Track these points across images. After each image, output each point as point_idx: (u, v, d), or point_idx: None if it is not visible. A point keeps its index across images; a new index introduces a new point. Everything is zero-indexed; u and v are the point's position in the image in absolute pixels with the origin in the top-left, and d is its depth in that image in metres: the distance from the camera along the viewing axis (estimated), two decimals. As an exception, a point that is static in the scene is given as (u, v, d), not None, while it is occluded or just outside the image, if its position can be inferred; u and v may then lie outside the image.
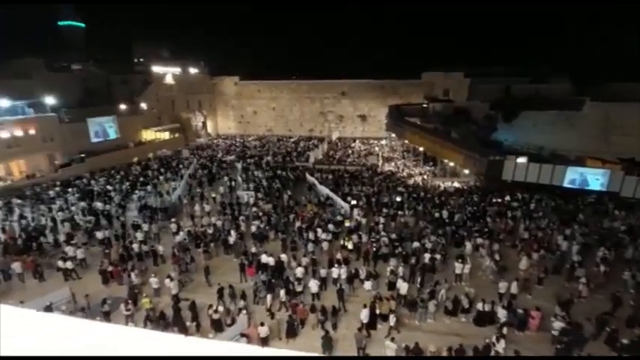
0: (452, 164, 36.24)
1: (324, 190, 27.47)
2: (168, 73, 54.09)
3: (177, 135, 50.77)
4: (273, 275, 15.10)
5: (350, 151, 49.50)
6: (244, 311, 12.31)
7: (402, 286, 13.59)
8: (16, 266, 15.55)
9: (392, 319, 11.92)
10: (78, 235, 19.49)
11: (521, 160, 29.03)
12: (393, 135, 49.79)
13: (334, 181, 30.78)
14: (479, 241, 17.93)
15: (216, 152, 47.12)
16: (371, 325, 12.20)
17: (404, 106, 51.38)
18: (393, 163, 43.35)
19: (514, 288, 13.44)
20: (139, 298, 13.60)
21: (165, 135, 49.34)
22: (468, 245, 17.48)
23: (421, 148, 40.33)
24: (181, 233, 19.13)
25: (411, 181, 34.59)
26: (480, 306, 12.33)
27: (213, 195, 26.25)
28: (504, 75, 52.74)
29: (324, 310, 12.31)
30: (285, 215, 22.27)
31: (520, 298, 13.59)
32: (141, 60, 62.11)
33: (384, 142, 55.62)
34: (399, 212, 22.80)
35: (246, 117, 66.93)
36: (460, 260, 15.22)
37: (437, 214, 22.35)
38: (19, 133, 31.52)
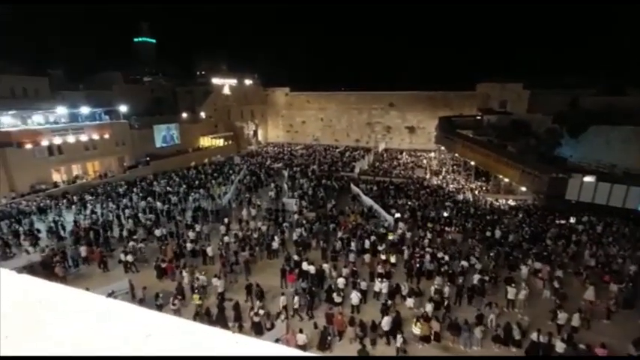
0: (507, 180, 33.93)
1: (368, 201, 27.20)
2: (226, 84, 57.71)
3: (230, 142, 53.71)
4: (313, 283, 15.20)
5: (396, 163, 48.55)
6: (283, 317, 12.51)
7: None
8: (83, 250, 17.76)
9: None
10: (139, 231, 21.30)
11: (589, 178, 26.31)
12: (443, 148, 47.98)
13: (379, 193, 30.35)
14: (536, 265, 16.47)
15: (264, 159, 48.94)
16: (392, 332, 11.79)
17: (455, 118, 49.45)
18: (441, 177, 41.70)
19: (576, 320, 12.09)
20: (189, 294, 14.46)
21: (220, 142, 52.46)
22: (524, 269, 16.13)
23: (473, 162, 38.36)
24: (229, 235, 20.08)
25: (460, 196, 32.95)
26: (534, 337, 11.26)
27: (258, 203, 27.17)
28: (570, 86, 48.57)
29: (362, 324, 12.09)
30: (327, 224, 22.39)
31: (582, 333, 12.20)
32: (203, 73, 67.08)
33: (432, 154, 53.81)
34: (447, 228, 21.81)
35: (295, 126, 68.84)
36: (513, 285, 14.10)
37: (488, 233, 21.01)
38: (95, 137, 35.52)
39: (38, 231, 20.89)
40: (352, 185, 32.46)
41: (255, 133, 65.88)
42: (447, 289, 14.37)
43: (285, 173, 37.03)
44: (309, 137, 66.49)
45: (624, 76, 48.98)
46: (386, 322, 11.76)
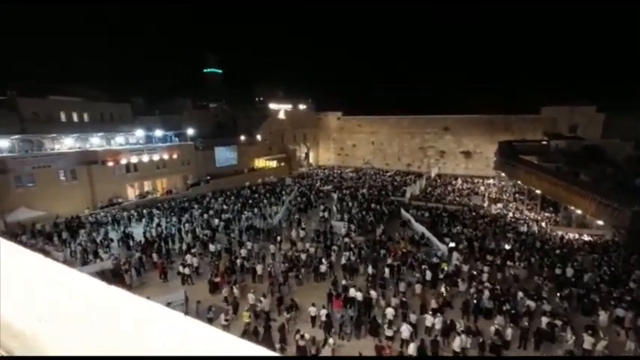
0: (579, 212, 30.42)
1: (420, 228, 26.11)
2: (281, 109, 60.74)
3: (282, 164, 55.74)
4: (360, 311, 14.76)
5: (450, 189, 46.29)
6: (330, 343, 12.24)
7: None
8: (155, 256, 20.05)
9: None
10: (196, 245, 22.65)
11: (686, 215, 22.60)
12: (503, 174, 44.81)
13: (431, 220, 29.03)
14: (619, 311, 14.29)
15: (315, 181, 49.77)
16: None
17: (517, 143, 46.22)
18: (501, 205, 38.76)
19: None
20: (239, 311, 14.87)
21: (273, 163, 54.74)
22: (603, 315, 14.08)
23: (538, 191, 35.17)
24: (278, 255, 20.49)
25: (523, 228, 30.17)
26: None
27: (304, 225, 27.40)
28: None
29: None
30: (377, 250, 21.82)
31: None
32: (261, 99, 71.59)
33: (491, 181, 50.52)
34: (508, 262, 19.99)
35: (346, 149, 69.49)
36: (590, 332, 12.33)
37: (558, 271, 18.83)
38: (165, 156, 39.19)
39: (111, 240, 23.24)
40: (403, 211, 31.50)
41: (307, 155, 67.67)
42: (509, 331, 13.01)
43: (335, 196, 37.19)
44: (359, 160, 66.54)
45: None
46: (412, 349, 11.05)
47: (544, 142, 46.40)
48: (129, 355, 0.85)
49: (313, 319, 14.41)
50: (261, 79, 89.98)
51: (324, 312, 14.07)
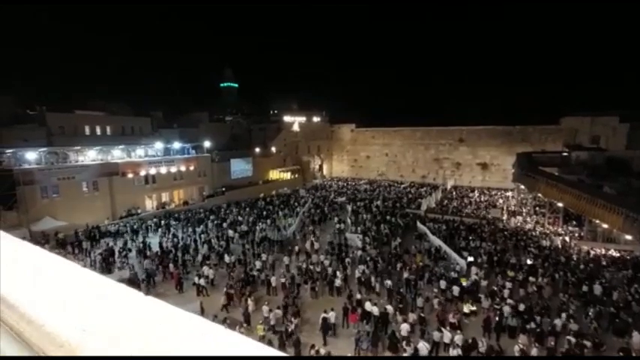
0: (605, 226, 29.16)
1: (437, 242, 25.55)
2: (295, 121, 61.41)
3: (296, 175, 55.99)
4: (376, 327, 14.39)
5: (467, 201, 45.32)
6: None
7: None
8: (171, 266, 20.22)
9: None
10: (212, 256, 22.75)
11: None
12: (522, 186, 43.61)
13: (448, 233, 28.38)
14: (654, 333, 13.45)
15: (329, 193, 49.66)
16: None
17: (537, 155, 45.10)
18: (520, 218, 37.61)
19: None
20: (253, 323, 14.74)
21: (287, 175, 55.06)
22: (636, 336, 13.27)
23: (560, 204, 33.99)
24: (292, 267, 20.34)
25: (545, 242, 29.12)
26: None
27: (318, 235, 27.26)
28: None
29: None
30: (392, 263, 21.40)
31: None
32: (275, 112, 72.68)
33: (509, 193, 49.25)
34: (531, 278, 19.24)
35: (359, 161, 69.36)
36: (623, 354, 11.62)
37: (585, 288, 17.98)
38: (183, 168, 39.95)
39: (130, 250, 23.63)
40: (419, 223, 30.95)
41: (321, 167, 67.84)
42: (534, 351, 12.40)
43: (349, 208, 36.95)
44: (373, 172, 66.21)
45: None
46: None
47: (565, 154, 45.12)
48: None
49: (325, 320, 14.37)
50: (276, 92, 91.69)
51: (332, 314, 14.50)
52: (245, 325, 14.39)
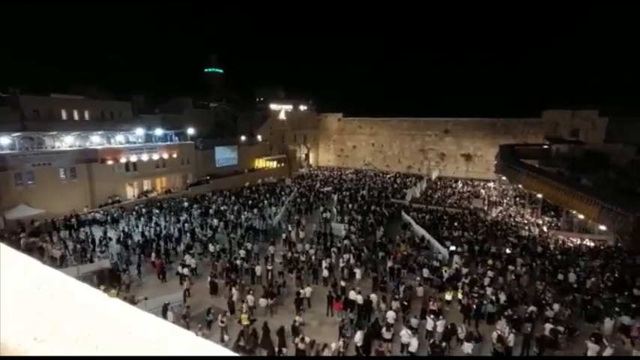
0: (581, 217, 30.26)
1: (420, 231, 25.93)
2: (282, 110, 60.61)
3: (282, 164, 55.57)
4: (360, 315, 14.55)
5: (451, 192, 46.13)
6: (332, 347, 12.02)
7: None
8: (153, 256, 19.73)
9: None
10: (195, 245, 22.43)
11: (690, 221, 22.43)
12: (504, 178, 44.66)
13: (432, 223, 28.84)
14: (624, 319, 14.08)
15: (314, 182, 49.59)
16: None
17: (519, 147, 46.12)
18: (501, 209, 38.59)
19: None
20: (237, 313, 14.67)
21: (273, 164, 54.59)
22: (608, 322, 13.88)
23: (539, 195, 35.00)
24: (277, 256, 20.29)
25: (524, 232, 30.02)
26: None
27: (304, 226, 27.24)
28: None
29: (413, 364, 11.16)
30: (377, 252, 21.62)
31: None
32: (261, 99, 71.41)
33: (492, 184, 50.38)
34: (509, 267, 19.79)
35: (346, 151, 69.36)
36: (594, 340, 12.13)
37: (560, 276, 18.64)
38: (165, 155, 38.97)
39: (110, 239, 23.03)
40: (403, 213, 31.31)
41: (307, 156, 67.52)
42: (511, 337, 12.80)
43: (335, 197, 37.01)
44: (359, 162, 66.39)
45: None
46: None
47: (545, 146, 46.33)
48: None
49: (298, 295, 15.45)
50: (262, 80, 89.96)
51: (308, 289, 15.27)
52: (229, 314, 14.29)
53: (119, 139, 37.73)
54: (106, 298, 1.05)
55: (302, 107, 66.59)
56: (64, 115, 38.07)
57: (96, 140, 35.55)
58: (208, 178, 42.07)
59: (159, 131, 40.17)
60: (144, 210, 30.69)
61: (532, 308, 14.62)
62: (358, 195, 39.56)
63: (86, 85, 47.25)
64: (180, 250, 21.82)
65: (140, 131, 38.86)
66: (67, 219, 26.77)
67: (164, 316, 14.01)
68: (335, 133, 70.28)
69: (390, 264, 19.39)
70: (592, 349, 11.85)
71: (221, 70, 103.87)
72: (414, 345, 12.22)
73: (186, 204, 33.07)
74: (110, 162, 33.36)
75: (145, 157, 36.64)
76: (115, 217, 28.32)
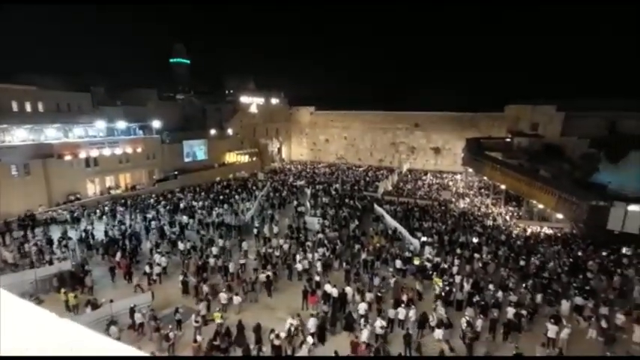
0: (541, 206, 32.20)
1: (393, 223, 26.45)
2: (253, 103, 59.33)
3: (254, 159, 54.60)
4: (334, 307, 14.63)
5: (420, 184, 47.45)
6: (308, 341, 11.99)
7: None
8: (118, 255, 18.75)
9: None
10: (163, 244, 21.55)
11: (634, 207, 24.47)
12: (470, 170, 46.56)
13: (403, 215, 29.51)
14: (578, 300, 15.15)
15: (287, 177, 49.22)
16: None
17: (484, 140, 48.12)
18: (468, 200, 40.23)
19: (629, 367, 10.85)
20: (210, 311, 14.29)
21: (245, 158, 53.47)
22: (565, 304, 14.87)
23: (503, 186, 36.82)
24: (250, 252, 19.95)
25: (489, 222, 31.48)
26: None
27: (277, 221, 27.00)
28: (608, 109, 46.26)
29: (388, 355, 11.38)
30: (350, 245, 21.83)
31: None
32: (231, 91, 69.56)
33: (459, 176, 52.34)
34: (476, 255, 20.67)
35: (318, 145, 69.32)
36: (553, 321, 12.94)
37: (522, 262, 19.72)
38: (129, 150, 37.03)
39: (69, 239, 21.58)
40: (376, 206, 31.80)
41: (279, 150, 66.80)
42: (479, 322, 13.39)
43: (308, 191, 36.91)
44: (332, 156, 66.62)
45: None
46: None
47: (508, 140, 48.64)
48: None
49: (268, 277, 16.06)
50: (232, 72, 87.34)
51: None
52: (202, 312, 13.87)
53: (78, 132, 35.37)
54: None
55: (274, 100, 65.55)
56: (14, 106, 35.02)
57: (52, 134, 33.10)
58: (176, 173, 40.52)
59: (121, 124, 38.04)
60: (107, 208, 29.09)
61: (498, 294, 15.36)
62: (331, 188, 39.70)
63: (41, 74, 43.68)
64: (148, 248, 20.88)
65: (101, 124, 36.59)
66: (22, 219, 24.82)
67: (131, 318, 13.38)
68: (307, 126, 69.96)
69: (364, 256, 19.63)
70: (551, 329, 12.63)
71: (188, 61, 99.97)
72: (378, 328, 12.71)
73: (153, 201, 31.71)
74: (68, 157, 31.21)
75: (106, 152, 34.63)
76: (75, 216, 26.60)
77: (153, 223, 25.27)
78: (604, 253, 22.15)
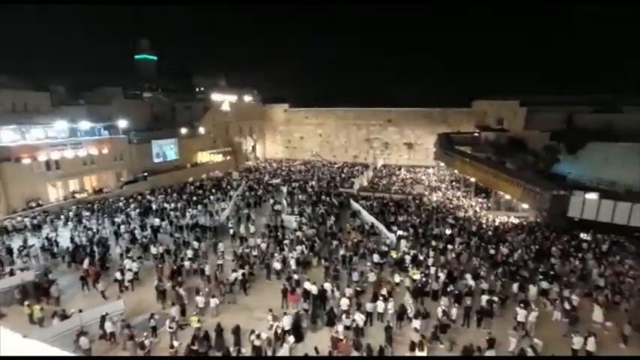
0: (508, 197, 33.77)
1: (369, 218, 26.82)
2: (225, 100, 58.05)
3: (228, 158, 53.56)
4: (315, 304, 14.66)
5: (395, 179, 48.42)
6: (290, 341, 11.94)
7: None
8: (86, 263, 17.68)
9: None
10: (135, 248, 20.71)
11: (591, 196, 26.19)
12: (442, 164, 48.05)
13: (379, 209, 30.00)
14: (544, 285, 16.05)
15: (263, 175, 48.70)
16: None
17: (454, 135, 49.79)
18: (440, 193, 41.51)
19: (591, 345, 11.61)
20: (186, 315, 13.90)
21: (218, 157, 52.32)
22: (532, 289, 15.71)
23: (472, 179, 38.27)
24: (227, 254, 19.56)
25: (461, 213, 32.65)
26: (550, 362, 10.78)
27: (254, 220, 26.66)
28: (566, 103, 49.27)
29: (369, 348, 11.55)
30: (328, 241, 21.93)
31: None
32: (202, 89, 67.69)
33: (431, 170, 53.87)
34: (449, 246, 21.38)
35: (293, 142, 69.06)
36: (522, 305, 13.64)
37: (492, 251, 20.62)
38: (94, 151, 35.21)
39: (31, 247, 20.25)
40: (352, 201, 32.13)
41: (254, 148, 65.92)
42: (454, 311, 13.89)
43: (284, 189, 36.70)
44: (307, 153, 66.58)
45: (621, 93, 49.49)
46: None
47: (476, 134, 50.63)
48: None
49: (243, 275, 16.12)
50: (202, 69, 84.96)
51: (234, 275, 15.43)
52: (178, 317, 13.47)
53: (36, 134, 33.17)
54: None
55: (246, 98, 64.52)
56: (-38, 107, 32.38)
57: (7, 136, 30.84)
58: (146, 174, 39.00)
59: (85, 124, 36.08)
60: (72, 213, 27.56)
61: (471, 282, 15.98)
62: (308, 186, 39.68)
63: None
64: (118, 254, 19.98)
65: (62, 125, 34.51)
66: (-26, 228, 23.02)
67: (102, 327, 12.78)
68: (281, 124, 69.45)
69: (342, 252, 19.79)
70: (521, 313, 13.31)
71: (154, 58, 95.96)
72: (358, 322, 12.89)
73: (122, 204, 30.37)
74: (27, 160, 29.26)
75: (69, 154, 32.78)
76: (35, 223, 24.98)
77: (122, 227, 24.22)
78: (565, 239, 23.59)
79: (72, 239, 21.64)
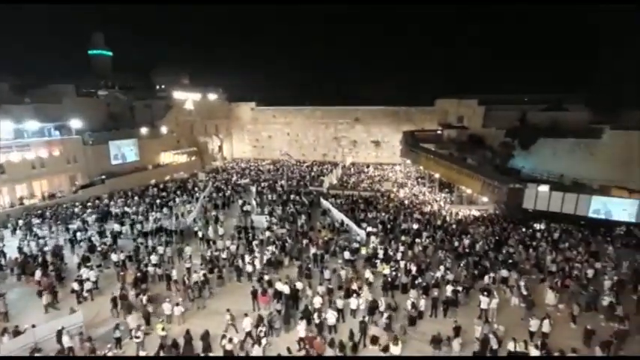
0: (469, 191, 35.51)
1: (339, 216, 27.09)
2: (188, 98, 55.98)
3: (194, 158, 51.80)
4: (287, 304, 14.56)
5: (363, 177, 49.27)
6: (262, 343, 11.75)
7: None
8: (37, 274, 16.38)
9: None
10: (93, 256, 19.47)
11: (543, 188, 28.20)
12: (408, 161, 49.56)
13: (349, 207, 30.38)
14: (503, 273, 17.06)
15: (230, 175, 47.62)
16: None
17: (418, 132, 51.51)
18: (407, 189, 42.80)
19: (546, 326, 12.50)
20: (152, 323, 13.28)
21: (183, 158, 50.43)
22: (493, 277, 16.62)
23: (437, 175, 39.83)
24: (195, 257, 18.92)
25: (426, 208, 33.87)
26: (511, 346, 11.45)
27: (222, 222, 26.05)
28: (520, 102, 52.75)
29: (342, 345, 11.66)
30: (299, 241, 21.87)
31: (552, 338, 12.62)
32: (162, 87, 64.82)
33: (397, 167, 55.38)
34: (417, 240, 22.10)
35: (261, 141, 68.15)
36: (485, 294, 14.40)
37: (456, 243, 21.58)
38: (43, 154, 32.63)
39: (-28, 261, 18.43)
40: (322, 200, 32.28)
41: (220, 148, 64.25)
42: (422, 302, 14.37)
43: (253, 189, 36.14)
44: (276, 152, 65.94)
45: (571, 92, 53.46)
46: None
47: (439, 132, 52.72)
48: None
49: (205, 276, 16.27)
50: (162, 66, 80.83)
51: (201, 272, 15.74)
52: (143, 326, 12.82)
53: (-26, 135, 30.12)
54: None
55: (211, 96, 62.66)
56: None
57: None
58: (104, 177, 36.77)
59: (32, 125, 33.28)
60: (21, 221, 25.38)
61: (437, 274, 16.63)
62: (277, 185, 39.33)
63: None
64: (75, 263, 18.68)
65: (6, 125, 31.57)
66: None
67: (59, 342, 11.88)
68: (249, 123, 68.27)
69: (313, 250, 19.81)
70: (483, 301, 14.04)
71: (110, 53, 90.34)
72: (331, 319, 13.11)
73: (77, 209, 28.42)
74: (-37, 165, 26.52)
75: (15, 157, 30.16)
76: (-24, 234, 22.75)
77: (79, 234, 22.67)
78: (523, 229, 25.22)
79: (20, 249, 19.93)
